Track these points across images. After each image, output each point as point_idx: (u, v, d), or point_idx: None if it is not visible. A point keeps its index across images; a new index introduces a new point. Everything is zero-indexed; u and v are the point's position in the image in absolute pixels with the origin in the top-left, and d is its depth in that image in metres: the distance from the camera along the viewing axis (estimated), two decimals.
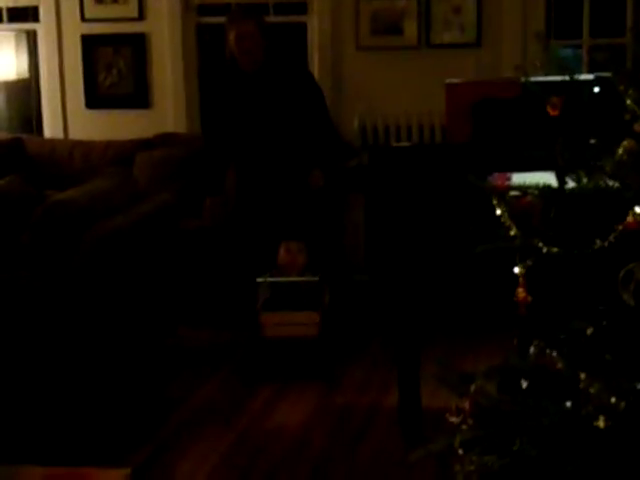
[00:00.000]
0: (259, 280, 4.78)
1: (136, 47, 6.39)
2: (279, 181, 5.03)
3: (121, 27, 6.41)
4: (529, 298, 2.27)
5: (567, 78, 2.39)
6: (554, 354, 2.17)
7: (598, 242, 2.11)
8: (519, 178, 2.67)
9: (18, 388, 3.85)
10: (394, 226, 3.62)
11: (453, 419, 2.18)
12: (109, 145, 6.25)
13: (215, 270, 5.47)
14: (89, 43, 6.45)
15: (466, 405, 2.17)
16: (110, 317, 4.10)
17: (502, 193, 2.36)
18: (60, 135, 6.61)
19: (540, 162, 2.44)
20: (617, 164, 2.13)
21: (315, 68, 6.08)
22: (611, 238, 2.09)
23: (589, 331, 2.17)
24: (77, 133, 6.57)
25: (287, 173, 5.02)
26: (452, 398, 2.25)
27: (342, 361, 4.88)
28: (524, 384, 2.16)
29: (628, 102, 2.18)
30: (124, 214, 4.34)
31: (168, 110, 6.44)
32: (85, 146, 6.31)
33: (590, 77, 3.83)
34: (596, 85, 3.21)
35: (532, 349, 2.18)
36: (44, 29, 6.55)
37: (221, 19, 5.44)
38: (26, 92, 6.84)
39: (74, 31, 6.49)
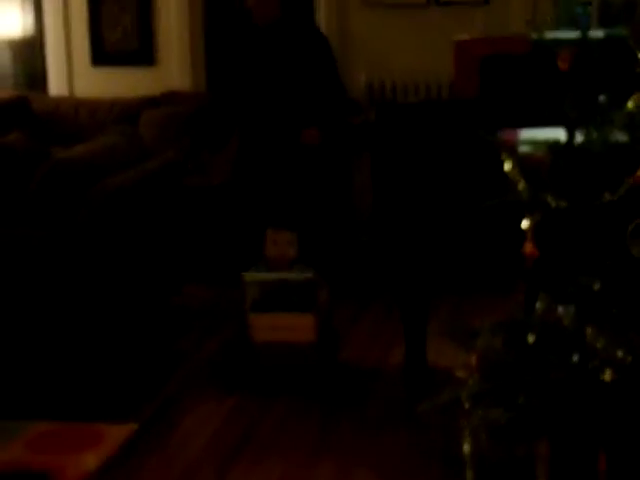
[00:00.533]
0: (247, 278, 4.20)
1: (142, 3, 6.34)
2: (279, 138, 4.99)
3: None
4: (537, 253, 2.26)
5: (577, 33, 2.38)
6: (561, 309, 2.16)
7: (607, 196, 2.11)
8: (528, 134, 2.66)
9: (26, 343, 3.87)
10: (401, 183, 3.60)
11: (460, 374, 2.18)
12: (114, 103, 6.23)
13: (220, 227, 5.46)
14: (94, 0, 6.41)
15: (473, 360, 2.18)
16: (116, 273, 4.10)
17: (511, 148, 2.35)
18: (65, 93, 6.59)
19: (549, 118, 2.42)
20: (627, 118, 2.11)
21: (322, 24, 6.02)
22: (620, 192, 2.08)
23: (596, 286, 2.16)
24: (82, 91, 6.54)
25: (287, 130, 4.98)
26: (458, 356, 2.25)
27: (349, 318, 4.86)
28: (531, 339, 2.16)
29: (639, 56, 2.16)
30: (129, 171, 4.33)
31: (173, 67, 6.41)
32: (90, 104, 6.29)
33: (600, 33, 3.78)
34: (606, 40, 3.18)
35: (539, 304, 2.18)
36: None
37: None
38: (32, 50, 6.79)
39: None
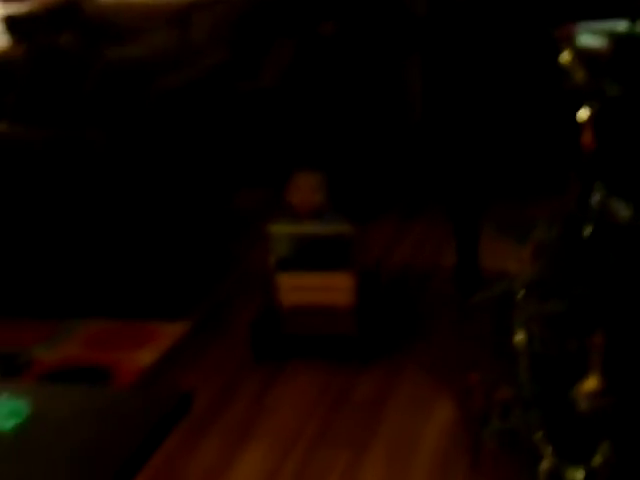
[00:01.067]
0: (273, 231, 3.67)
1: None
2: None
3: None
4: (594, 144, 2.22)
5: None
6: (618, 202, 2.13)
7: None
8: (587, 27, 2.59)
9: (83, 244, 3.91)
10: (454, 79, 3.54)
11: (513, 266, 2.18)
12: (166, 5, 6.17)
13: (272, 132, 5.43)
14: None
15: (527, 253, 2.17)
16: (171, 174, 4.11)
17: (570, 39, 2.29)
18: None
19: (607, 10, 2.36)
20: None
21: None
22: None
23: None
24: None
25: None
26: (511, 257, 2.23)
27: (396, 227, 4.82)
28: (586, 231, 2.13)
29: None
30: (181, 72, 4.30)
31: None
32: (141, 6, 6.24)
33: None
34: None
35: (595, 196, 2.15)
36: None
37: None
38: None
39: None
